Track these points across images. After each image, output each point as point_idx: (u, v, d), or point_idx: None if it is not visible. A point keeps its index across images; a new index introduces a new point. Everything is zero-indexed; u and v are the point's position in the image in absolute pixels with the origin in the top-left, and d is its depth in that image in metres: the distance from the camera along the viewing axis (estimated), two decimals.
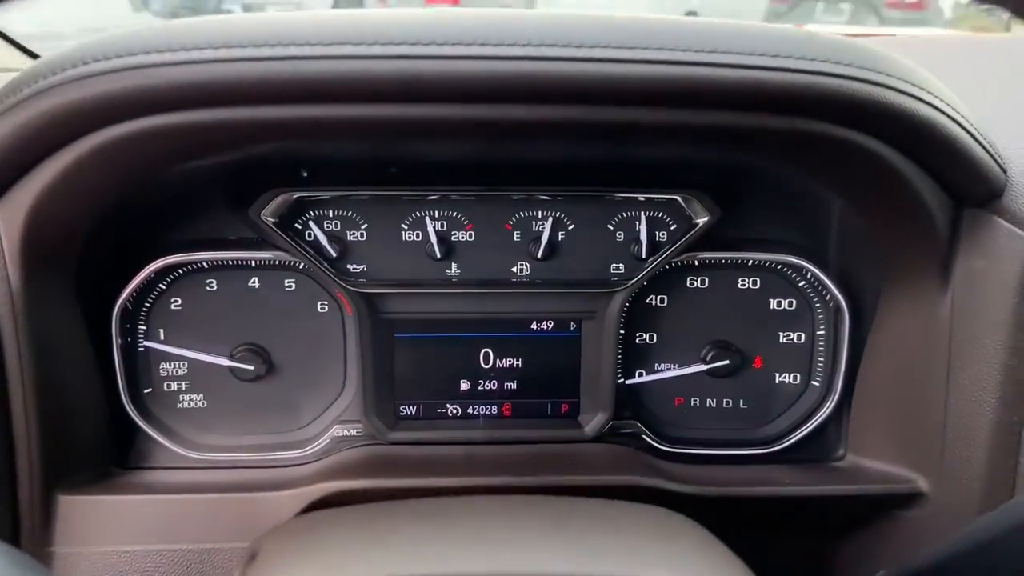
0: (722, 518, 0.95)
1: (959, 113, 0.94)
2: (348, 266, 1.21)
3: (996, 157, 0.98)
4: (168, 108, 0.84)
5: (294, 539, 0.79)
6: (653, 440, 1.26)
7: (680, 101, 0.87)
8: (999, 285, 0.99)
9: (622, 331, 1.23)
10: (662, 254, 1.20)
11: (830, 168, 1.01)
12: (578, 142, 1.05)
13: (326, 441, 1.23)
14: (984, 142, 0.96)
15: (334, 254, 1.19)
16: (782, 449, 1.27)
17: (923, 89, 0.90)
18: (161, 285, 1.20)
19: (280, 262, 1.20)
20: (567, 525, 0.76)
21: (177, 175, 1.06)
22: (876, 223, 1.09)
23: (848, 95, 0.87)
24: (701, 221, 1.19)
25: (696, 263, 1.24)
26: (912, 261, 1.08)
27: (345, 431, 1.23)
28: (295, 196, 1.16)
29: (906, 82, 0.89)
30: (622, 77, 0.84)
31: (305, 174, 1.14)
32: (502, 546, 0.73)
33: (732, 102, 0.88)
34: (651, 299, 1.26)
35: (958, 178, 0.98)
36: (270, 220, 1.15)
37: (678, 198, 1.20)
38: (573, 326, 1.25)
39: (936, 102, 0.91)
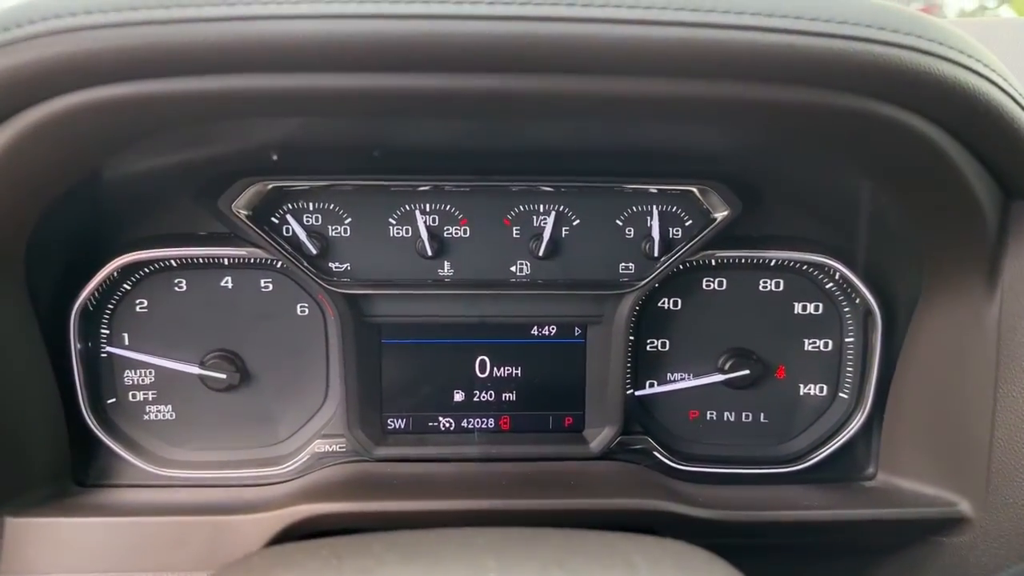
0: (741, 543, 0.89)
1: (1016, 90, 0.84)
2: (330, 264, 1.14)
3: None
4: (109, 78, 0.75)
5: None
6: (665, 457, 1.19)
7: (697, 70, 0.78)
8: None
9: (632, 337, 1.17)
10: (676, 252, 1.13)
11: (869, 152, 0.92)
12: (583, 122, 0.95)
13: (305, 457, 1.16)
14: None
15: (314, 251, 1.13)
16: (807, 467, 1.20)
17: (979, 61, 0.81)
18: (125, 285, 1.13)
19: (255, 260, 1.13)
20: (573, 567, 0.67)
21: (139, 161, 0.98)
22: (917, 216, 1.01)
23: (894, 65, 0.77)
24: (720, 216, 1.12)
25: (713, 262, 1.17)
26: (956, 259, 1.00)
27: (327, 446, 1.16)
28: (270, 186, 1.09)
29: (960, 52, 0.80)
30: (633, 40, 0.74)
31: (275, 157, 1.06)
32: None
33: (758, 72, 0.78)
34: (663, 302, 1.19)
35: (1010, 165, 0.90)
36: (243, 213, 1.08)
37: (694, 190, 1.13)
38: (578, 331, 1.18)
39: (993, 76, 0.82)
